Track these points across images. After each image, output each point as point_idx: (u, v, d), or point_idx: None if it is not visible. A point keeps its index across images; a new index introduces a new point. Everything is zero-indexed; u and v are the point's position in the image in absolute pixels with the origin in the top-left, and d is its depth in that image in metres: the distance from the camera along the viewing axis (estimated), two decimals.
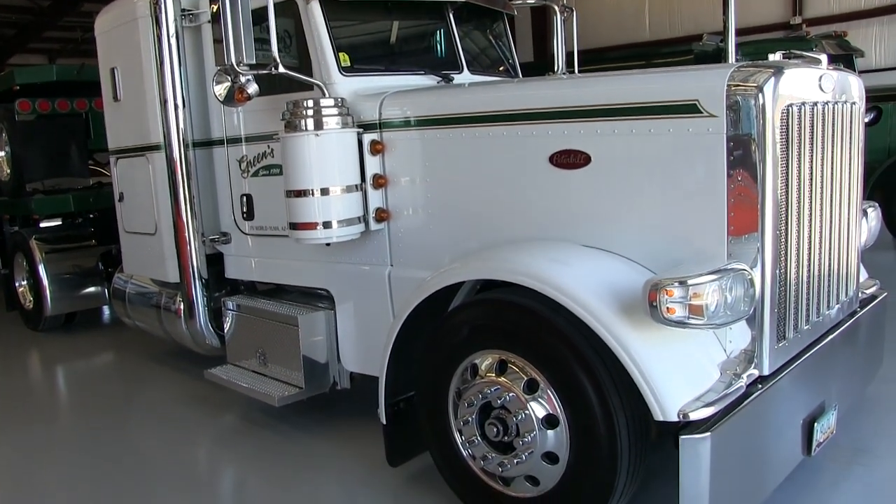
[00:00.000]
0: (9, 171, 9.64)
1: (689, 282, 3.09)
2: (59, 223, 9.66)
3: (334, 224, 4.44)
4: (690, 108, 3.45)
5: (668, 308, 3.08)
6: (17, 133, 9.28)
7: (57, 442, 5.79)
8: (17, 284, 9.81)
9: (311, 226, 4.45)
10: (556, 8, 6.32)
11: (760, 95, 3.32)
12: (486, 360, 3.75)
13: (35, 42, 26.47)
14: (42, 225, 9.59)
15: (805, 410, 3.74)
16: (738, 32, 6.80)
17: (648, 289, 3.12)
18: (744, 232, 3.41)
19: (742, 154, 3.36)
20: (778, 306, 3.55)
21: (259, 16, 4.43)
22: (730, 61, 6.44)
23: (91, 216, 9.52)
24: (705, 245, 3.47)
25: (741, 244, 3.41)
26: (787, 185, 3.51)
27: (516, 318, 3.59)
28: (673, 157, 3.54)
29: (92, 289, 9.13)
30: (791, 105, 3.49)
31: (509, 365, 3.65)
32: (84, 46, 21.78)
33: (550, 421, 3.52)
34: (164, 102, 5.63)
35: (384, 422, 4.22)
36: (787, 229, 3.55)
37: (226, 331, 5.85)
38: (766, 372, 3.48)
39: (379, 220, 4.63)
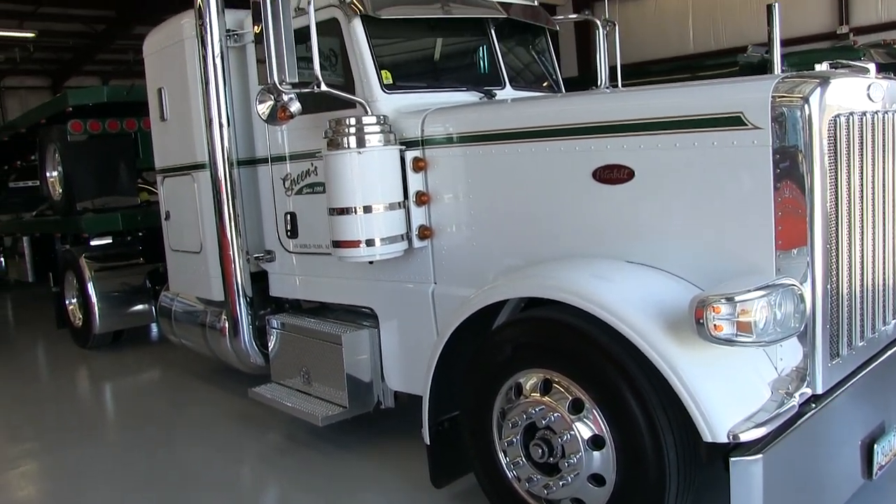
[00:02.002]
0: (61, 190, 9.86)
1: (737, 298, 3.02)
2: (109, 241, 9.81)
3: (377, 242, 4.44)
4: (735, 121, 3.38)
5: (715, 325, 3.02)
6: (69, 153, 9.48)
7: (103, 458, 5.85)
8: (67, 302, 9.98)
9: (355, 243, 4.46)
10: (599, 22, 6.28)
11: (806, 106, 3.25)
12: (530, 380, 3.70)
13: (90, 65, 27.25)
14: (92, 243, 9.74)
15: (863, 431, 3.62)
16: (784, 43, 6.70)
17: (695, 305, 3.06)
18: (792, 246, 3.33)
19: (789, 166, 3.28)
20: (830, 322, 3.45)
21: (302, 35, 4.47)
22: (775, 72, 6.35)
23: (139, 234, 9.67)
24: (753, 260, 3.39)
25: (790, 258, 3.33)
26: (836, 197, 3.43)
27: (560, 336, 3.55)
28: (718, 170, 3.47)
29: (139, 307, 9.25)
30: (839, 115, 3.40)
31: (554, 384, 3.61)
32: (136, 68, 22.21)
33: (596, 442, 3.46)
34: (209, 121, 5.69)
35: (428, 442, 4.19)
36: (837, 242, 3.46)
37: (270, 349, 5.88)
38: (819, 390, 3.38)
39: (422, 237, 4.61)
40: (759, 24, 14.74)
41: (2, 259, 14.99)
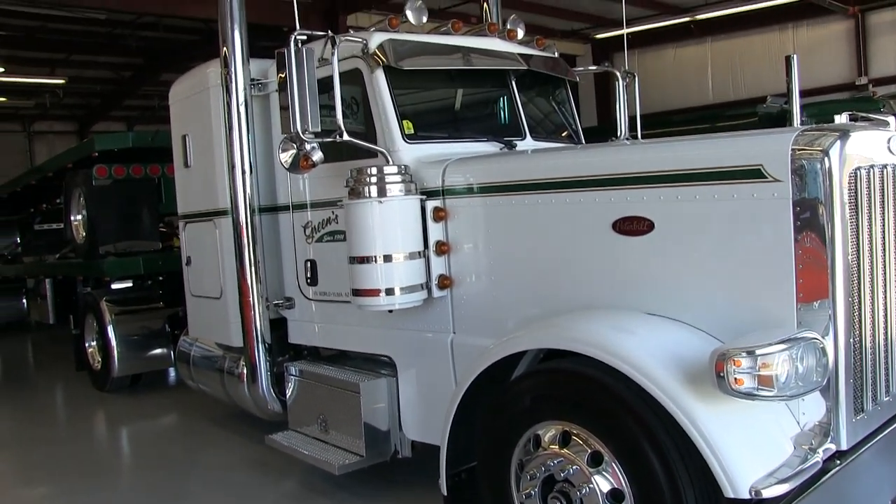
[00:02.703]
0: (84, 233, 9.98)
1: (758, 351, 2.99)
2: (130, 285, 9.89)
3: (397, 291, 4.46)
4: (755, 173, 3.39)
5: (736, 379, 2.99)
6: (94, 197, 9.61)
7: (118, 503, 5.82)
8: (86, 345, 10.03)
9: (374, 292, 4.47)
10: (618, 74, 6.33)
11: (826, 159, 3.26)
12: (549, 432, 3.67)
13: (116, 110, 27.71)
14: (113, 286, 9.81)
15: (893, 490, 3.56)
16: (803, 93, 6.74)
17: (715, 359, 3.03)
18: (814, 298, 3.31)
19: (809, 219, 3.29)
20: (854, 376, 3.41)
21: (325, 84, 4.54)
22: (795, 123, 6.37)
23: (160, 278, 9.73)
24: (774, 312, 3.37)
25: (812, 311, 3.31)
26: (858, 250, 3.42)
27: (579, 388, 3.52)
28: (738, 222, 3.47)
29: (158, 350, 9.28)
30: (859, 168, 3.41)
31: (573, 436, 3.57)
32: (160, 113, 22.68)
33: (615, 495, 3.41)
34: (231, 168, 5.77)
35: (445, 493, 4.15)
36: (860, 295, 3.44)
37: (288, 396, 5.86)
38: (844, 446, 3.33)
39: (441, 286, 4.62)
40: (778, 75, 14.85)
41: (24, 300, 15.17)
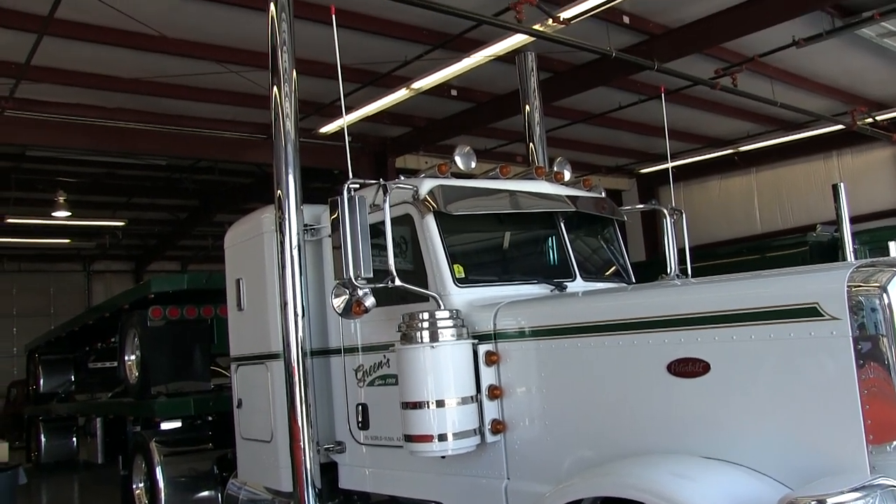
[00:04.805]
0: (137, 374, 10.07)
1: (829, 500, 2.86)
2: (179, 425, 9.88)
3: (449, 437, 4.40)
4: (811, 312, 3.35)
5: None
6: (148, 338, 9.75)
7: None
8: (134, 486, 9.92)
9: (427, 438, 4.42)
10: (666, 211, 6.39)
11: (885, 295, 3.22)
12: None
13: (171, 250, 28.58)
14: (163, 427, 9.81)
15: None
16: (852, 220, 6.68)
17: None
18: (886, 440, 3.19)
19: (873, 356, 3.21)
20: None
21: (376, 229, 4.65)
22: (847, 252, 6.32)
23: (209, 419, 9.72)
24: (842, 456, 3.25)
25: (885, 454, 3.18)
26: None
27: None
28: (796, 361, 3.41)
29: (206, 493, 9.12)
30: None
31: None
32: (213, 253, 23.43)
33: None
34: (283, 307, 5.84)
35: None
36: None
37: None
38: None
39: (495, 431, 4.55)
40: (825, 202, 14.80)
41: (74, 438, 15.25)
